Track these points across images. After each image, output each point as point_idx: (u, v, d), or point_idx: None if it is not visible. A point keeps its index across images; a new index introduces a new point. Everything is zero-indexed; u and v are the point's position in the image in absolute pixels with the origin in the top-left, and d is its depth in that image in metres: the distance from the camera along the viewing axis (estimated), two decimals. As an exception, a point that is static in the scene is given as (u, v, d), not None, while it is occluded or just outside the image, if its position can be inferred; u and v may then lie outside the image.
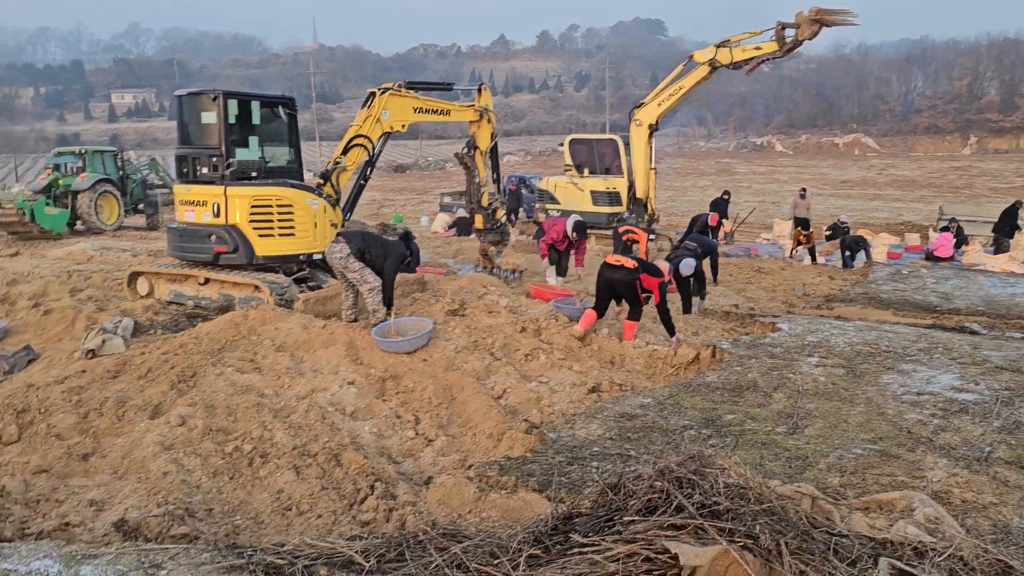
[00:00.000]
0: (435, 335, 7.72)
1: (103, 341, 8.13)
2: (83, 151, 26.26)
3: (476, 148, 12.24)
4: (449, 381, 7.04)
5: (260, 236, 9.67)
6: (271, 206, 9.67)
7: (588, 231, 13.14)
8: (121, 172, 26.83)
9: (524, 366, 7.46)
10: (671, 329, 8.28)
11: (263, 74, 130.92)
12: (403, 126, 10.60)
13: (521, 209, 26.45)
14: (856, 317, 10.81)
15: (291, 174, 10.23)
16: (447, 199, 32.66)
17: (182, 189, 10.19)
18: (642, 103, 17.44)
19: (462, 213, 26.09)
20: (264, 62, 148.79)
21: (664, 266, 8.69)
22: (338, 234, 8.59)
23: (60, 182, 25.03)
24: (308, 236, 9.85)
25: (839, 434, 5.70)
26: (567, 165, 19.91)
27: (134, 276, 10.50)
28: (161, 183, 30.19)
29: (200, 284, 9.83)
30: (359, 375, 7.04)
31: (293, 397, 6.68)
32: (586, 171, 19.30)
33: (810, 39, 14.33)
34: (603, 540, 3.19)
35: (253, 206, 9.63)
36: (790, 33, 14.49)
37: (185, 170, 10.20)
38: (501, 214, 12.56)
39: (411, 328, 7.75)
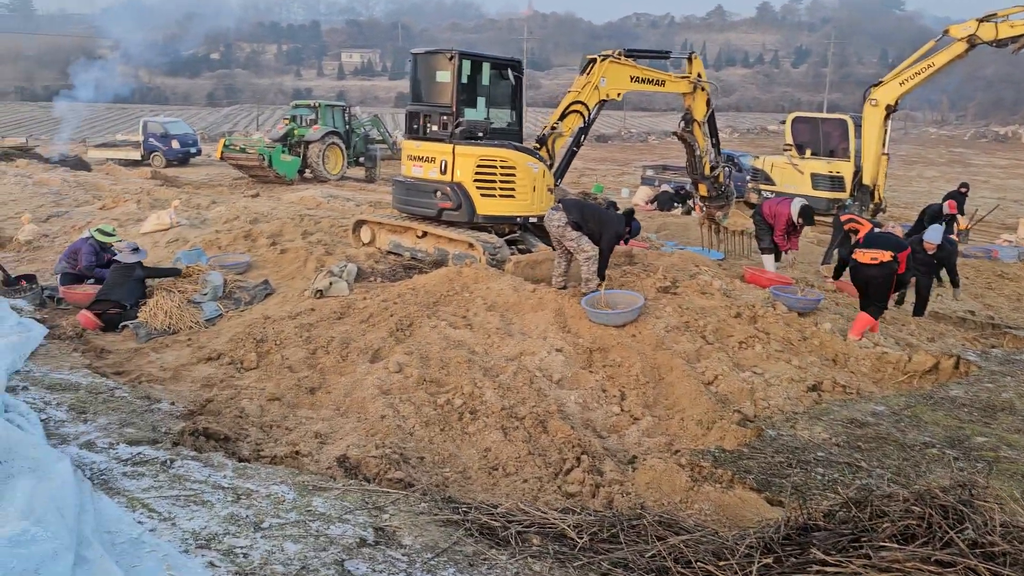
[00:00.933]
0: (645, 311, 7.50)
1: (330, 283, 8.65)
2: (317, 105, 28.20)
3: (693, 120, 11.80)
4: (658, 360, 6.82)
5: (482, 195, 9.84)
6: (495, 167, 9.79)
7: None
8: (347, 126, 28.57)
9: (737, 354, 7.08)
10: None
11: (478, 39, 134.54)
12: (619, 95, 10.35)
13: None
14: None
15: (512, 136, 10.31)
16: (649, 172, 31.99)
17: (411, 145, 10.56)
18: (880, 82, 16.00)
19: (665, 188, 25.43)
20: (480, 27, 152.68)
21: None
22: (558, 201, 8.55)
23: (295, 132, 27.05)
24: (527, 199, 9.89)
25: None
26: (787, 144, 18.75)
27: (359, 224, 11.11)
28: (381, 139, 31.93)
29: (418, 237, 10.20)
30: (567, 343, 6.99)
31: (502, 358, 6.75)
32: (808, 152, 18.09)
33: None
34: (850, 562, 2.89)
35: (478, 166, 9.80)
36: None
37: (415, 126, 10.56)
38: (723, 178, 12.28)
39: (621, 301, 7.59)
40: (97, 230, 8.97)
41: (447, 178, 9.97)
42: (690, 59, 11.92)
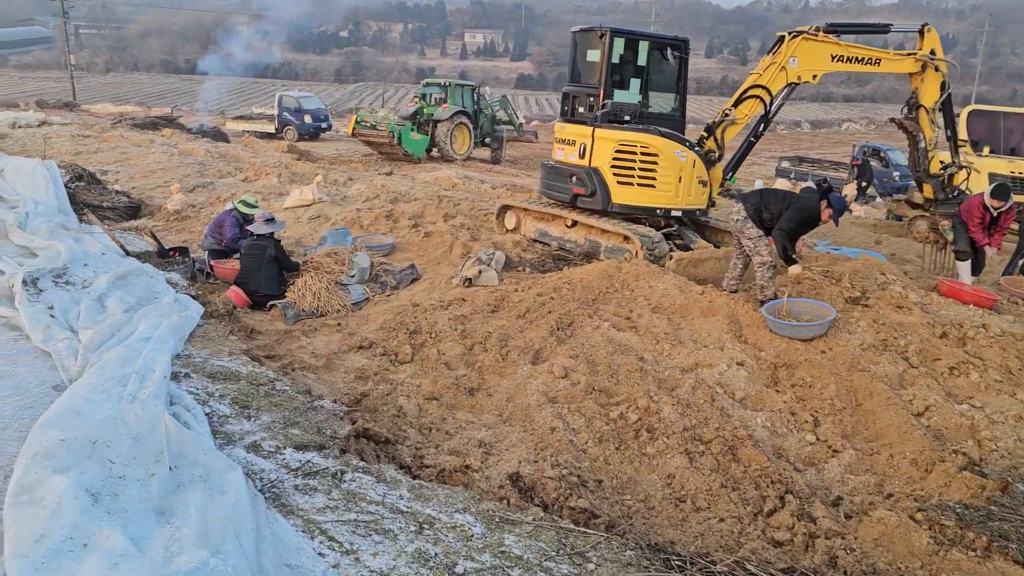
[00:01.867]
0: (834, 325, 6.66)
1: (479, 272, 8.19)
2: (447, 83, 28.05)
3: (920, 106, 10.14)
4: (854, 383, 5.99)
5: (619, 183, 9.17)
6: (634, 152, 9.09)
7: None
8: (476, 106, 28.30)
9: (949, 381, 6.15)
10: None
11: (602, 21, 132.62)
12: (814, 76, 9.18)
13: (871, 186, 23.44)
14: None
15: (672, 123, 9.56)
16: (785, 164, 30.37)
17: (559, 127, 10.02)
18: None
19: (808, 183, 23.90)
20: (604, 9, 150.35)
21: None
22: (738, 194, 7.75)
23: (424, 111, 27.00)
24: (669, 189, 9.13)
25: None
26: (960, 140, 17.05)
27: (504, 209, 10.64)
28: (508, 120, 31.56)
29: (567, 226, 9.63)
30: (748, 356, 6.25)
31: (676, 368, 6.09)
32: (986, 149, 16.38)
33: None
34: None
35: (616, 151, 9.14)
36: None
37: (566, 108, 9.99)
38: (960, 179, 10.51)
39: (806, 311, 6.77)
40: (240, 201, 8.83)
41: (584, 162, 9.38)
42: (922, 32, 10.03)
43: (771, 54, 9.17)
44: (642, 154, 9.09)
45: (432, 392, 5.67)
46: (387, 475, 3.90)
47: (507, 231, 10.55)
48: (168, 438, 3.36)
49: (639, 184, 9.15)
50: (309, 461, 3.83)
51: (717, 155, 9.52)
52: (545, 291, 7.46)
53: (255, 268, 7.73)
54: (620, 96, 9.55)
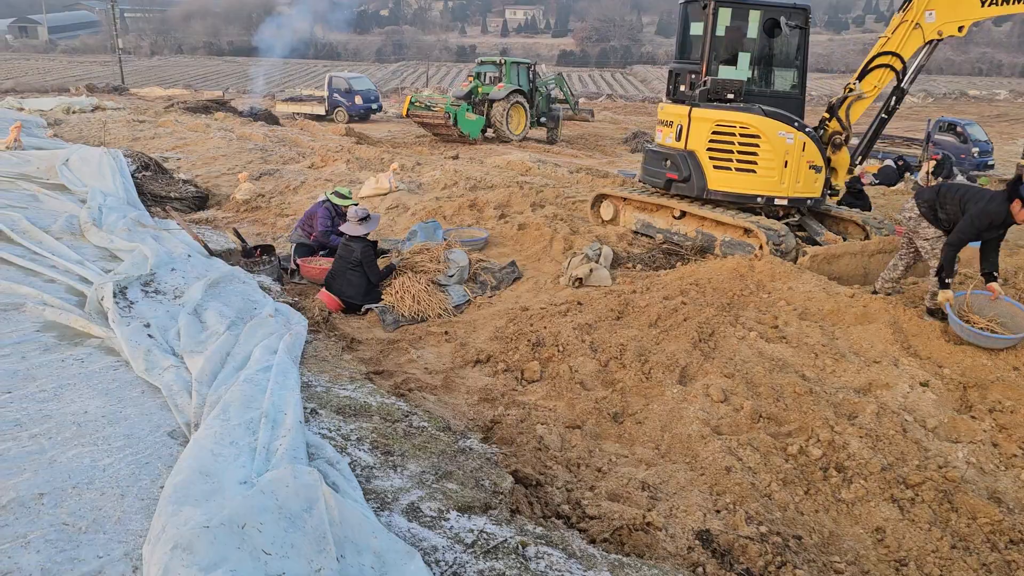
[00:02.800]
0: None
1: (590, 271, 7.43)
2: (503, 61, 27.15)
3: None
4: (1062, 407, 5.12)
5: (715, 167, 8.32)
6: (733, 134, 8.20)
7: None
8: (531, 85, 27.40)
9: None
10: None
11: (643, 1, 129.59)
12: (960, 28, 7.87)
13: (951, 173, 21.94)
14: None
15: (789, 102, 8.62)
16: (854, 141, 28.92)
17: (661, 107, 9.18)
18: None
19: (888, 161, 22.62)
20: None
21: None
22: (914, 190, 6.84)
23: (479, 90, 26.20)
24: (773, 175, 8.20)
25: None
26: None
27: (599, 199, 9.83)
28: (564, 99, 30.60)
29: (675, 217, 8.80)
30: (929, 374, 5.41)
31: (848, 389, 5.26)
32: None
33: None
34: None
35: (714, 132, 8.28)
36: None
37: (670, 87, 9.15)
38: None
39: (992, 309, 5.87)
40: (333, 192, 8.16)
41: (680, 145, 8.54)
42: None
43: (901, 11, 8.14)
44: (741, 135, 8.21)
45: (572, 419, 4.94)
46: (575, 547, 3.19)
47: (603, 222, 9.75)
48: (329, 516, 2.68)
49: (738, 169, 8.27)
50: (482, 531, 3.13)
51: (843, 137, 8.58)
52: (672, 294, 6.68)
53: (341, 271, 7.07)
54: (725, 72, 8.67)
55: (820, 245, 8.07)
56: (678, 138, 8.58)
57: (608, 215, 9.68)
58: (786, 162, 8.11)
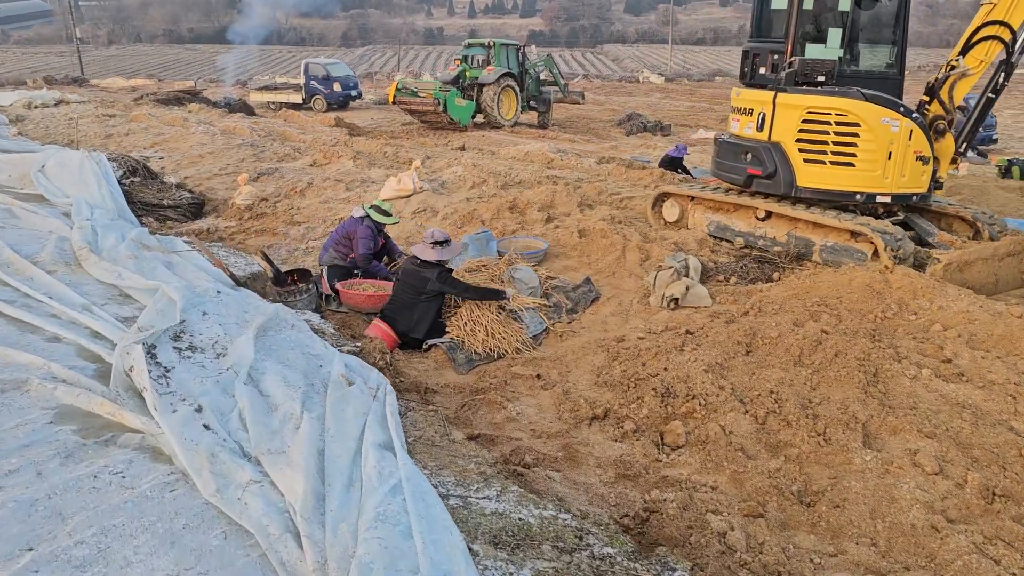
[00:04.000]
0: None
1: (686, 288, 6.32)
2: (491, 43, 25.81)
3: None
4: None
5: (805, 161, 7.24)
6: (828, 122, 7.11)
7: None
8: (521, 67, 26.18)
9: None
10: None
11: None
12: None
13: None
14: None
15: (886, 84, 7.56)
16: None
17: (735, 93, 8.06)
18: None
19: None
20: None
21: None
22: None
23: (468, 74, 24.91)
24: (875, 169, 7.12)
25: None
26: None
27: (662, 197, 8.70)
28: (552, 81, 29.37)
29: (759, 219, 7.71)
30: None
31: (1078, 447, 4.22)
32: None
33: None
34: None
35: (804, 120, 7.19)
36: None
37: (745, 69, 8.04)
38: None
39: None
40: (373, 207, 6.94)
41: (762, 136, 7.45)
42: None
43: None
44: (838, 124, 7.11)
45: (748, 503, 3.84)
46: None
47: (665, 224, 8.63)
48: None
49: (833, 163, 7.19)
50: None
51: (947, 122, 7.53)
52: (800, 319, 5.59)
53: (409, 303, 5.88)
54: (813, 52, 7.56)
55: (934, 248, 7.03)
56: (760, 128, 7.48)
57: (672, 216, 8.56)
58: (890, 153, 7.04)
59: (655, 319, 6.12)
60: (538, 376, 5.29)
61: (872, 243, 6.72)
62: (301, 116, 22.87)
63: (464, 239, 7.43)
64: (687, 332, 5.63)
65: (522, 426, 4.64)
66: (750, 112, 7.74)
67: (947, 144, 7.55)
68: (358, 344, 5.13)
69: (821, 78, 7.26)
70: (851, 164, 7.13)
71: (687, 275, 6.63)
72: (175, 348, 4.22)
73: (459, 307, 6.07)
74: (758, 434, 4.37)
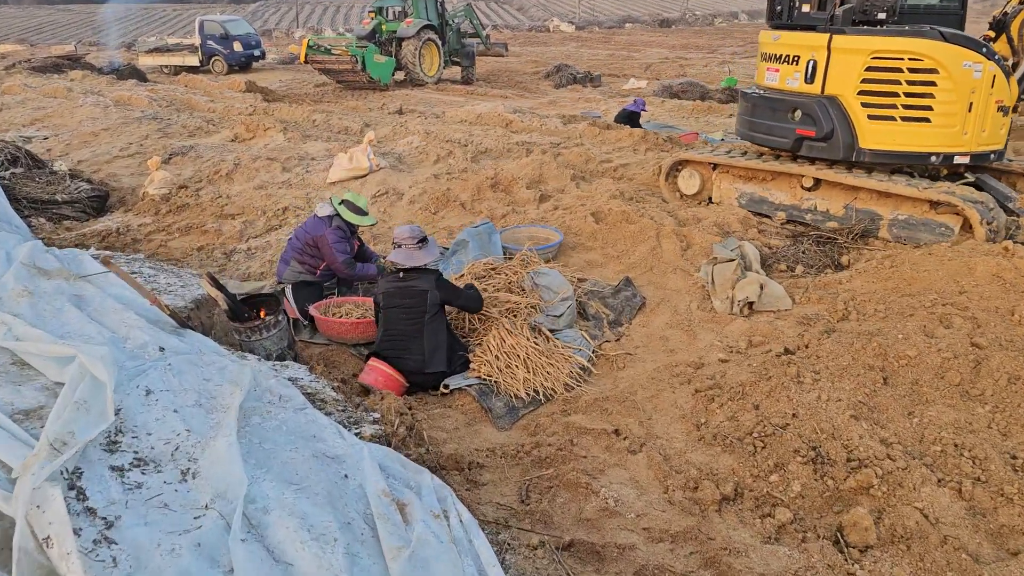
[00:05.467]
0: None
1: (760, 287, 5.04)
2: (410, -8, 23.80)
3: None
4: None
5: (870, 118, 6.04)
6: (899, 69, 5.92)
7: None
8: (441, 19, 24.34)
9: None
10: None
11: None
12: None
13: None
14: None
15: (946, 19, 6.37)
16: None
17: (767, 38, 6.74)
18: None
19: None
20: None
21: None
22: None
23: (384, 27, 22.94)
24: (953, 124, 5.92)
25: None
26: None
27: (677, 165, 7.34)
28: (474, 32, 27.53)
29: (804, 188, 6.47)
30: None
31: None
32: None
33: None
34: None
35: (869, 68, 5.97)
36: None
37: (779, 8, 6.71)
38: None
39: None
40: (342, 202, 5.33)
41: (814, 88, 6.20)
42: None
43: None
44: (911, 71, 5.90)
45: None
46: None
47: (683, 197, 7.31)
48: None
49: (905, 119, 5.99)
50: None
51: (1013, 63, 6.44)
52: (926, 324, 4.38)
53: (412, 331, 4.39)
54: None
55: (1019, 215, 5.97)
56: (810, 79, 6.20)
57: (691, 188, 7.24)
58: (971, 104, 5.87)
59: (729, 331, 4.81)
60: (616, 432, 3.91)
61: (959, 215, 5.58)
62: (204, 81, 20.43)
63: (461, 234, 5.91)
64: (786, 352, 4.36)
65: (628, 521, 3.27)
66: (794, 60, 6.41)
67: (1013, 88, 6.45)
68: (375, 413, 3.62)
69: (882, 15, 6.01)
70: (926, 119, 5.93)
71: (751, 268, 5.35)
72: (114, 471, 2.64)
73: (485, 334, 4.62)
74: (972, 518, 3.13)
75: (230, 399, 3.28)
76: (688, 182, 7.22)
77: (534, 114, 12.37)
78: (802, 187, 6.47)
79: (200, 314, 4.94)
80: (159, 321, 4.22)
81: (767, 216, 6.76)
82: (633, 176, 8.10)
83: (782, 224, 6.62)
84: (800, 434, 3.57)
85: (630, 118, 11.92)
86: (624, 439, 3.86)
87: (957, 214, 5.62)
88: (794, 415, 3.71)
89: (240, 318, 4.59)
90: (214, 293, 4.54)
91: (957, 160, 5.97)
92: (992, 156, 6.16)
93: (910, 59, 5.82)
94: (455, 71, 25.21)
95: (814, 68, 6.21)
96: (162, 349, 3.71)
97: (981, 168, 6.57)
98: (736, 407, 3.91)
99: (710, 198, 7.17)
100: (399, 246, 4.48)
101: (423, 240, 4.52)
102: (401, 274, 4.47)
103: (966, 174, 6.35)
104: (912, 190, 5.74)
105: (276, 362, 4.00)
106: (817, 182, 6.39)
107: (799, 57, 6.36)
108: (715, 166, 7.04)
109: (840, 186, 6.25)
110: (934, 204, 5.76)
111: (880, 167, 6.22)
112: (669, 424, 3.97)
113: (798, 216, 6.57)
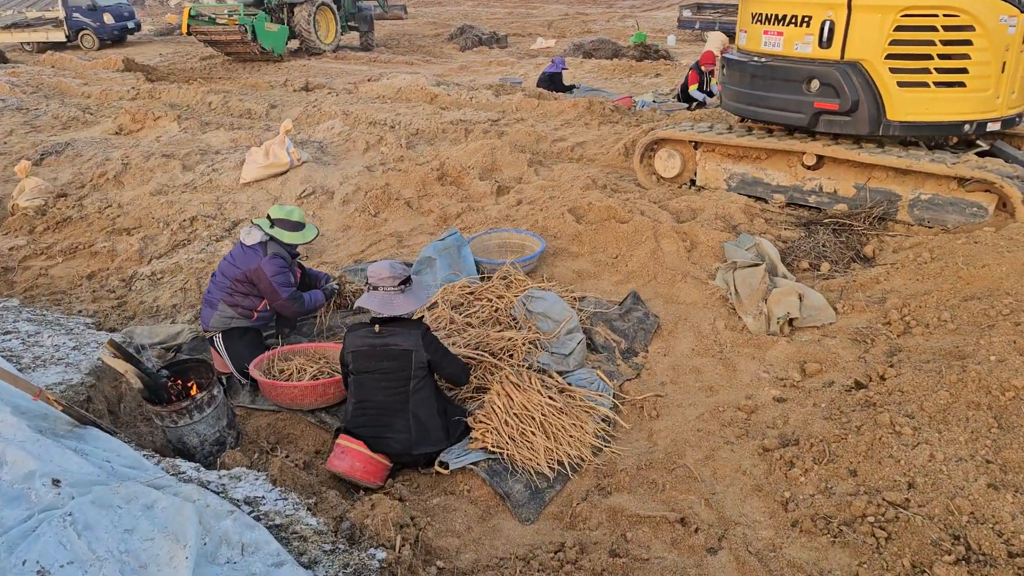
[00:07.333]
0: None
1: (800, 298, 4.22)
2: (296, -48, 21.90)
3: None
4: None
5: (901, 84, 5.27)
6: (933, 28, 5.14)
7: None
8: (334, -19, 22.62)
9: None
10: None
11: None
12: None
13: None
14: None
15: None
16: (686, 13, 26.80)
17: (754, -5, 5.88)
18: None
19: (715, 32, 20.68)
20: None
21: None
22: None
23: (273, -8, 21.14)
24: (987, 87, 5.22)
25: None
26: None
27: (654, 144, 6.43)
28: (370, -7, 25.82)
29: (806, 167, 5.68)
30: None
31: None
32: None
33: None
34: None
35: (899, 27, 5.18)
36: None
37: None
38: None
39: None
40: (276, 223, 4.17)
41: (832, 54, 5.39)
42: None
43: None
44: (946, 28, 5.13)
45: None
46: None
47: (660, 180, 6.44)
48: None
49: (939, 83, 5.23)
50: None
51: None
52: (1016, 336, 3.67)
53: (396, 403, 3.37)
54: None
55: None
56: (826, 42, 5.36)
57: (670, 170, 6.36)
58: (1004, 63, 5.17)
59: (773, 356, 3.99)
60: (682, 521, 3.03)
61: (992, 192, 4.90)
62: (75, 60, 18.19)
63: (426, 250, 4.84)
64: (858, 385, 3.56)
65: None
66: (804, 21, 5.54)
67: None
68: (379, 551, 2.60)
69: None
70: (962, 84, 5.20)
71: (777, 273, 4.54)
72: None
73: (486, 392, 3.64)
74: None
75: (169, 569, 2.23)
76: (667, 163, 6.34)
77: (460, 86, 11.21)
78: (804, 165, 5.69)
79: (103, 386, 3.77)
80: (47, 418, 3.09)
81: (763, 200, 5.96)
82: (595, 157, 7.17)
83: (781, 208, 5.84)
84: (930, 515, 2.77)
85: (552, 79, 11.18)
86: (695, 530, 2.98)
87: (987, 191, 4.94)
88: (910, 485, 2.91)
89: (161, 398, 3.44)
90: (122, 367, 3.38)
91: (990, 127, 5.29)
92: (1017, 119, 5.52)
93: (945, 15, 5.04)
94: (353, 37, 23.60)
95: (831, 30, 5.37)
96: (57, 483, 2.60)
97: (998, 133, 5.95)
98: (826, 473, 3.09)
99: (692, 180, 6.32)
100: (374, 289, 3.41)
101: (406, 281, 3.46)
102: (377, 327, 3.41)
103: (979, 141, 5.70)
104: (940, 167, 5.02)
105: (223, 473, 2.91)
106: (820, 160, 5.61)
107: (810, 17, 5.50)
108: (696, 144, 6.17)
109: (852, 164, 5.49)
110: (961, 181, 5.06)
111: (894, 141, 5.49)
112: (743, 501, 3.12)
113: (800, 199, 5.80)
